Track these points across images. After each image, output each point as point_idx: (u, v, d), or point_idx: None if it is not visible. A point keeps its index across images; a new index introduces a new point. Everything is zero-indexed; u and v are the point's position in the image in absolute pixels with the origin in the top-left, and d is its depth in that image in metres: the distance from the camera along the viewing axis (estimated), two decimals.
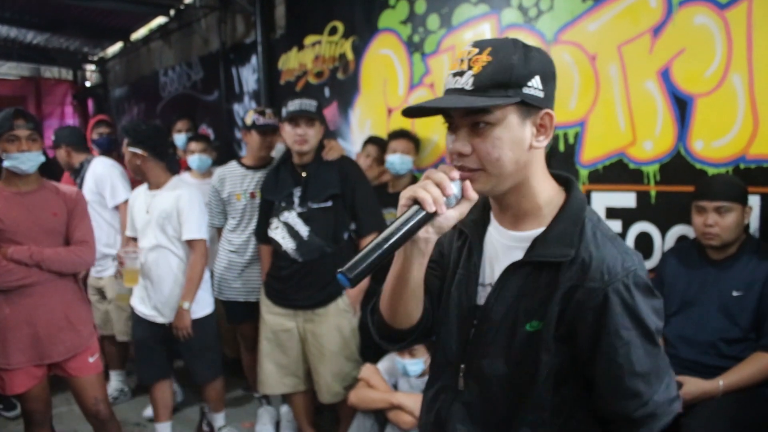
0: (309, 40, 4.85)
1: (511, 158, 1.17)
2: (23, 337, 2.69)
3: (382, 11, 4.18)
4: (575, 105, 3.19)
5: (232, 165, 3.87)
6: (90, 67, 9.59)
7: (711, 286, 2.56)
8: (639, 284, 1.17)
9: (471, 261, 1.34)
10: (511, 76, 1.14)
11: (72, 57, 9.03)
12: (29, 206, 2.73)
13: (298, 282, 3.18)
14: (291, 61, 5.09)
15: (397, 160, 3.67)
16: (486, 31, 3.55)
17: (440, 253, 1.43)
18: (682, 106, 2.78)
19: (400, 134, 3.77)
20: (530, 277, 1.24)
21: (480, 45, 1.17)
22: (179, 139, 5.20)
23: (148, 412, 4.02)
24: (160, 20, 7.07)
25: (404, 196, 1.13)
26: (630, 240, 3.04)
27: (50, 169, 4.06)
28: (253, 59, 5.58)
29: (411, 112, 1.20)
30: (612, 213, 3.11)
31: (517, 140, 1.17)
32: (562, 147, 3.27)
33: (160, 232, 3.32)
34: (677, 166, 2.83)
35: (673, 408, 1.22)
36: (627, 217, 3.05)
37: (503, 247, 1.30)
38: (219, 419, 3.69)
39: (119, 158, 4.87)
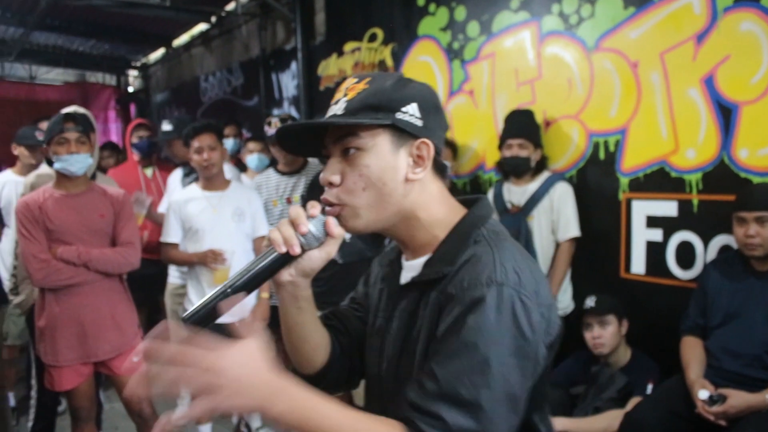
0: (348, 46, 4.90)
1: (381, 189, 1.08)
2: (71, 336, 2.76)
3: (422, 18, 4.20)
4: (616, 112, 3.17)
5: (269, 172, 3.93)
6: (133, 73, 9.81)
7: (756, 297, 2.51)
8: (503, 303, 0.99)
9: (387, 304, 1.22)
10: (381, 99, 1.08)
11: (116, 63, 9.24)
12: (78, 208, 2.80)
13: (337, 284, 3.21)
14: (330, 68, 5.14)
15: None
16: (526, 38, 3.55)
17: (365, 294, 1.32)
18: (726, 113, 2.74)
19: None
20: (416, 303, 1.12)
21: (360, 76, 1.13)
22: (227, 143, 5.24)
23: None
24: (202, 27, 7.21)
25: (266, 237, 1.08)
26: (671, 249, 3.01)
27: None
28: (293, 65, 5.65)
29: (281, 138, 1.16)
30: (653, 222, 3.08)
31: (387, 169, 1.08)
32: (602, 155, 3.25)
33: (236, 230, 3.37)
34: (721, 174, 2.79)
35: None
36: (668, 226, 3.02)
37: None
38: (256, 420, 3.73)
39: (159, 161, 4.97)
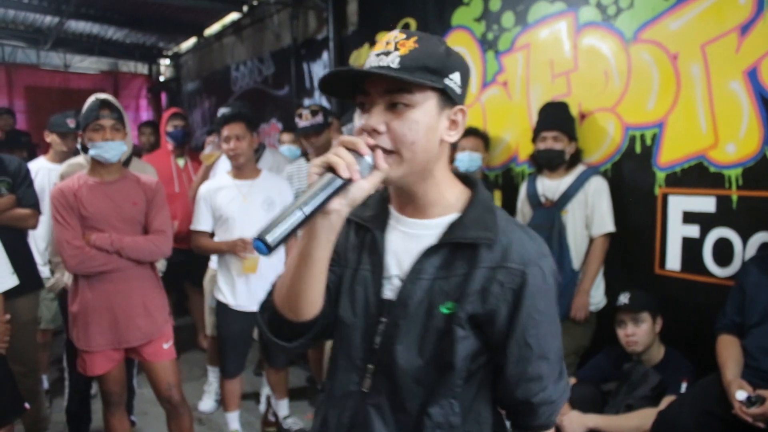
0: (381, 36, 4.86)
1: (425, 145, 1.15)
2: (103, 322, 2.79)
3: (456, 8, 4.16)
4: (654, 105, 3.10)
5: (300, 162, 3.93)
6: (164, 62, 9.88)
7: None
8: (552, 270, 1.22)
9: (375, 255, 1.27)
10: (436, 63, 1.13)
11: (148, 52, 9.32)
12: (111, 195, 2.82)
13: None
14: (362, 58, 5.11)
15: (466, 157, 3.65)
16: (562, 29, 3.49)
17: (335, 251, 1.31)
18: None
19: (469, 132, 3.73)
20: (446, 260, 1.21)
21: (406, 33, 1.16)
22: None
23: (205, 406, 4.17)
24: (234, 16, 7.23)
25: (316, 164, 1.07)
26: (708, 246, 2.94)
27: None
28: (325, 55, 5.64)
29: (328, 80, 1.17)
30: (689, 218, 3.01)
31: (432, 128, 1.15)
32: (638, 148, 3.18)
33: (266, 219, 3.34)
34: (762, 170, 2.72)
35: (566, 392, 1.27)
36: (706, 222, 2.95)
37: (409, 236, 1.26)
38: (283, 408, 3.75)
39: (191, 151, 4.98)
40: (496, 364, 1.24)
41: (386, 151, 1.13)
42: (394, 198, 1.30)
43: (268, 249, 0.99)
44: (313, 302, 1.22)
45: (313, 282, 1.18)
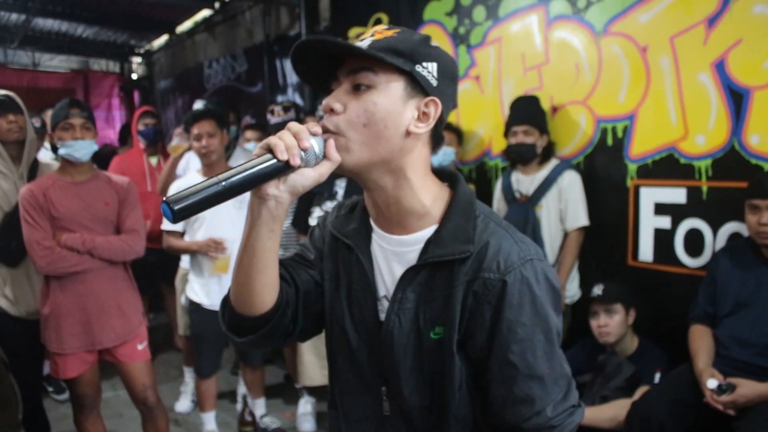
0: (353, 32, 4.85)
1: (382, 131, 1.05)
2: (76, 323, 2.75)
3: (428, 3, 4.15)
4: (624, 98, 3.13)
5: None
6: (136, 60, 9.78)
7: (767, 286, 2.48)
8: (538, 276, 1.07)
9: (363, 274, 1.19)
10: (406, 47, 1.06)
11: (119, 50, 9.22)
12: (82, 195, 2.78)
13: None
14: None
15: (439, 152, 3.63)
16: (533, 22, 3.50)
17: (319, 258, 1.29)
18: (737, 99, 2.70)
19: None
20: (428, 282, 1.12)
21: (390, 26, 1.11)
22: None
23: (181, 406, 4.13)
24: (205, 13, 7.17)
25: (258, 146, 1.01)
26: (679, 237, 2.97)
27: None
28: None
29: (299, 52, 1.10)
30: (661, 209, 3.04)
31: (393, 114, 1.06)
32: (610, 141, 3.21)
33: (238, 218, 3.32)
34: (731, 161, 2.75)
35: (573, 419, 1.10)
36: (677, 213, 2.98)
37: (392, 254, 1.17)
38: (260, 407, 3.72)
39: (164, 150, 4.92)
40: (484, 384, 1.12)
41: (340, 134, 1.06)
42: (372, 212, 1.20)
43: (173, 215, 0.93)
44: (259, 297, 1.14)
45: (257, 275, 1.11)
